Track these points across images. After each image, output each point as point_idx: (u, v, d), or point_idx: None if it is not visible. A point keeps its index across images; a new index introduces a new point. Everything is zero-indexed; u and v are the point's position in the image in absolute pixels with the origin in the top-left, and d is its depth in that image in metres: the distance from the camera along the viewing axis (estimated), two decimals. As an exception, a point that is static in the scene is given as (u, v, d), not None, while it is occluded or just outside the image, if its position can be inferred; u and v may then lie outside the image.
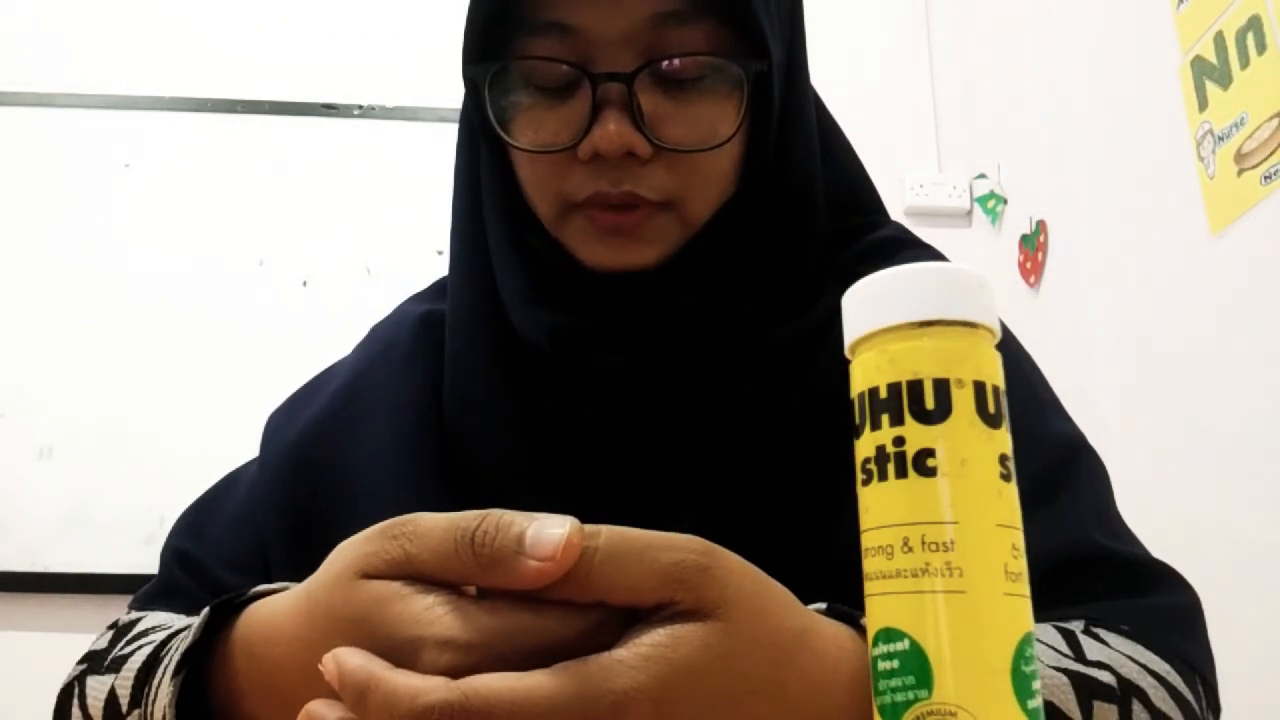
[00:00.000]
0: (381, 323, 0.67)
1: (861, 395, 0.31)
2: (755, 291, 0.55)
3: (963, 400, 0.29)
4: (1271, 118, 1.25)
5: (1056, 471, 0.54)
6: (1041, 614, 0.46)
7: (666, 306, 0.54)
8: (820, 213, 0.58)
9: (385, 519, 0.33)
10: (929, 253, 0.62)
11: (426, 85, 2.01)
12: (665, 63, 0.50)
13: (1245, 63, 1.30)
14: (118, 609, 0.57)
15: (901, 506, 0.29)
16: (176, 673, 0.40)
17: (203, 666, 0.41)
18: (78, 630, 1.71)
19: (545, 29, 0.51)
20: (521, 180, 0.56)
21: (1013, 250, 1.93)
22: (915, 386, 0.29)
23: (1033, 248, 1.87)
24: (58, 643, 1.35)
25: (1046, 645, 0.43)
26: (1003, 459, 0.29)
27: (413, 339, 0.62)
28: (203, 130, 2.06)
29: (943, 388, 0.29)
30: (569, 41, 0.51)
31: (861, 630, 0.35)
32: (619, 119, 0.50)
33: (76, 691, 0.47)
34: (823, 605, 0.37)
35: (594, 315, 0.54)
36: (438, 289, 0.67)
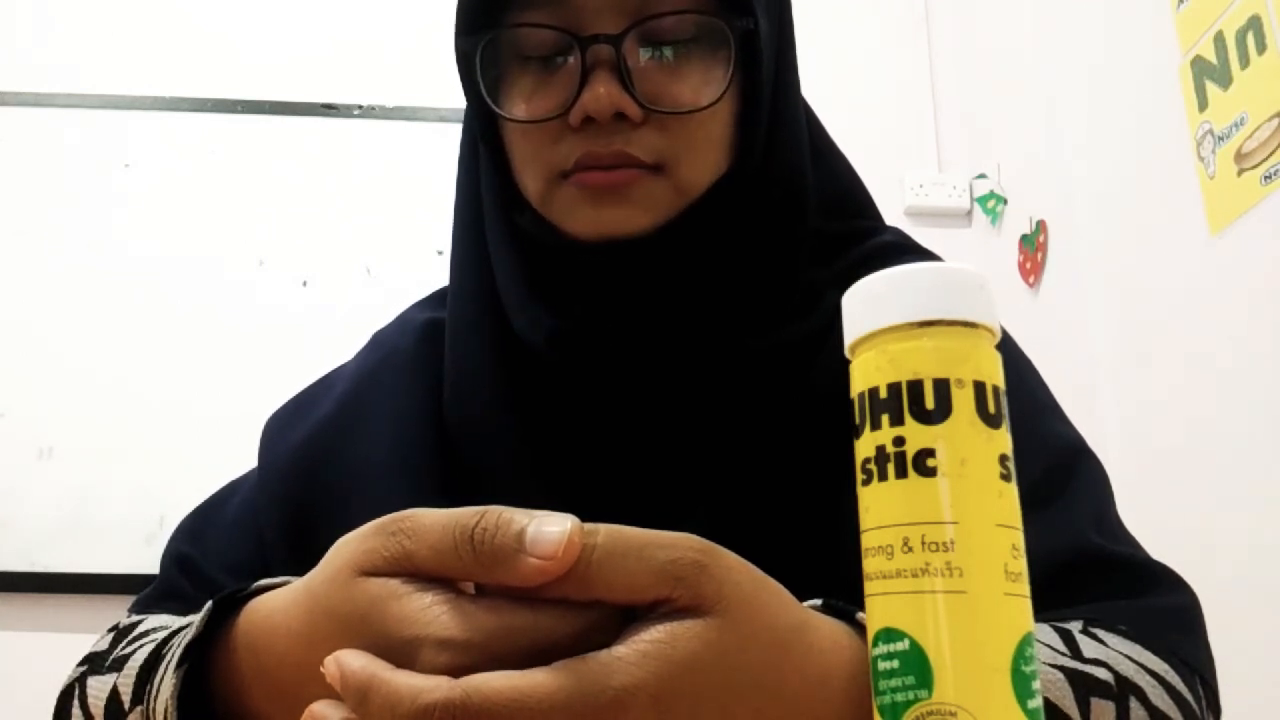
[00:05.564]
0: (384, 329, 0.67)
1: (861, 395, 0.31)
2: (748, 276, 0.55)
3: (963, 400, 0.29)
4: (1271, 118, 1.25)
5: (1055, 475, 0.54)
6: (1040, 616, 0.46)
7: (660, 291, 0.54)
8: (810, 201, 0.58)
9: None
10: (928, 258, 0.62)
11: (426, 85, 2.01)
12: (652, 22, 0.51)
13: (1245, 63, 1.30)
14: (118, 609, 0.57)
15: (901, 506, 0.29)
16: (179, 665, 0.40)
17: (205, 661, 0.41)
18: (78, 630, 1.72)
19: (535, 0, 0.51)
20: (514, 158, 0.56)
21: (1013, 250, 1.93)
22: (915, 386, 0.29)
23: (1033, 248, 1.87)
24: (58, 643, 1.35)
25: (1043, 644, 0.43)
26: (1003, 459, 0.29)
27: (416, 346, 0.62)
28: (203, 130, 2.06)
29: (943, 388, 0.29)
30: (558, 11, 0.51)
31: (858, 627, 0.35)
32: (608, 81, 0.50)
33: (77, 692, 0.47)
34: (818, 601, 0.37)
35: (590, 310, 0.54)
36: (440, 297, 0.67)
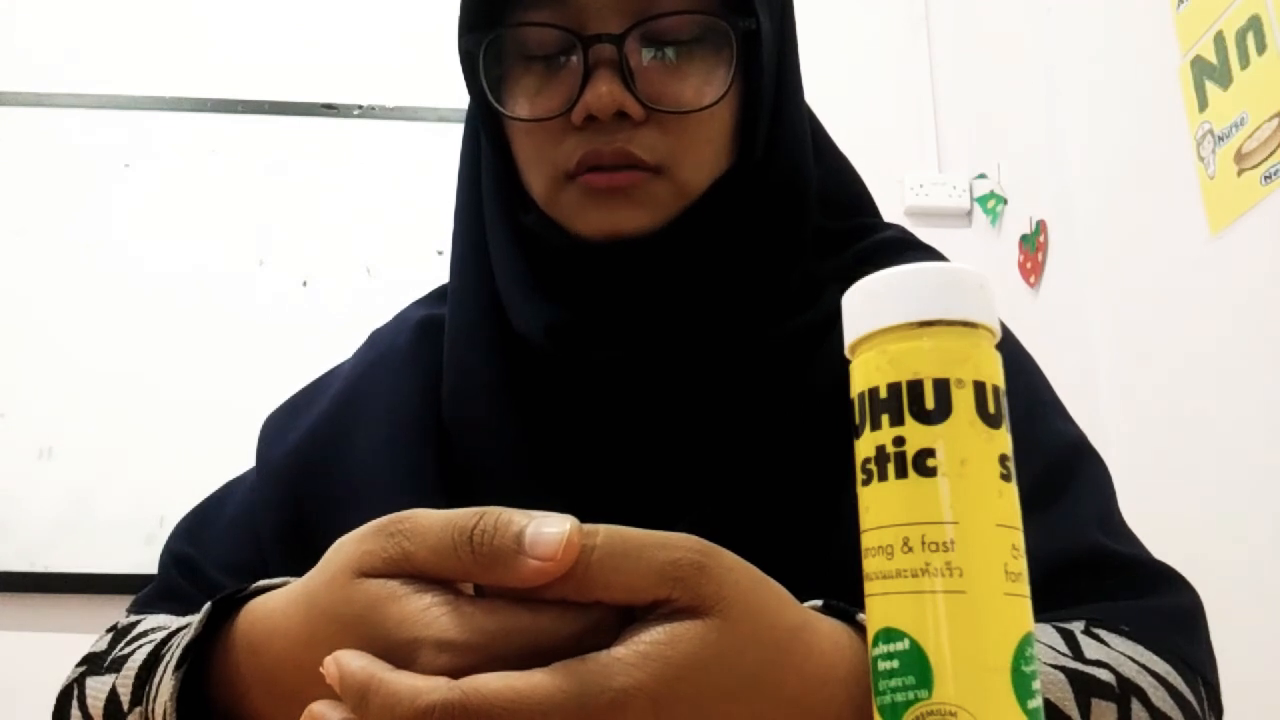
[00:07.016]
0: (381, 328, 0.67)
1: (861, 395, 0.31)
2: (750, 274, 0.56)
3: (963, 400, 0.29)
4: (1271, 118, 1.25)
5: (1058, 473, 0.54)
6: (1042, 615, 0.46)
7: (663, 289, 0.54)
8: (812, 198, 0.58)
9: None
10: (931, 255, 0.62)
11: (426, 85, 2.01)
12: (654, 22, 0.51)
13: (1245, 63, 1.30)
14: (118, 609, 0.57)
15: (901, 506, 0.29)
16: (178, 667, 0.40)
17: (204, 662, 0.41)
18: (78, 630, 1.72)
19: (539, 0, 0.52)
20: (518, 157, 0.56)
21: (1013, 250, 1.93)
22: (915, 386, 0.29)
23: (1033, 248, 1.87)
24: (58, 643, 1.35)
25: (1045, 644, 0.43)
26: (1003, 459, 0.29)
27: (411, 342, 0.62)
28: (203, 130, 2.06)
29: (943, 388, 0.29)
30: (561, 11, 0.52)
31: (858, 627, 0.35)
32: (610, 79, 0.50)
33: (76, 693, 0.47)
34: (819, 602, 0.37)
35: (590, 305, 0.54)
36: (438, 294, 0.67)
